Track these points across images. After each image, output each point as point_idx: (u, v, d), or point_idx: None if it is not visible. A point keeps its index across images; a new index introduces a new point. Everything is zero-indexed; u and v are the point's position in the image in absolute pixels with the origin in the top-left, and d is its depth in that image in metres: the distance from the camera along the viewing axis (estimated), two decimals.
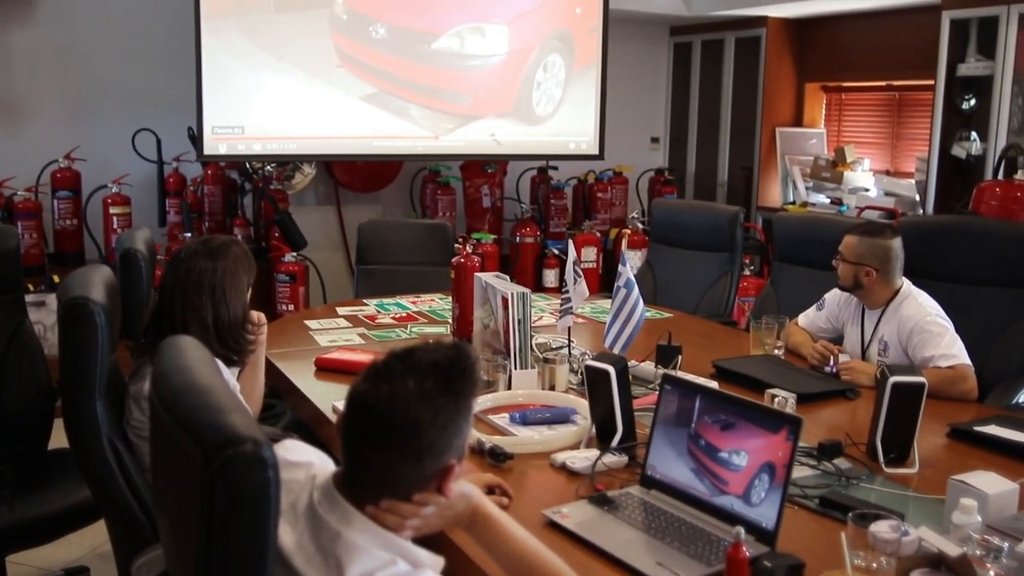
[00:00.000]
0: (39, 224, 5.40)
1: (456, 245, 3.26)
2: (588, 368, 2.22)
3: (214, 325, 2.25)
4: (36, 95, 5.84)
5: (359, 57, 5.29)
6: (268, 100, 5.13)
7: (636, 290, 2.72)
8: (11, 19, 5.72)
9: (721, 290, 4.25)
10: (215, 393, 1.28)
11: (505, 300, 2.62)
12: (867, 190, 6.72)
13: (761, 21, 7.07)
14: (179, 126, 5.76)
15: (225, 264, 2.28)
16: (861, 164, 6.84)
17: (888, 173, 6.82)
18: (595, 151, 6.06)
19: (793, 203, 7.10)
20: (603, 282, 6.27)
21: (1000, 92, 5.51)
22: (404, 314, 3.71)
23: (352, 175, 6.56)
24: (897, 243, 3.02)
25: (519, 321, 2.60)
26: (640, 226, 6.30)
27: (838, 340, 3.22)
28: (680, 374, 2.67)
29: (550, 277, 6.10)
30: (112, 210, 5.45)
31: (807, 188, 7.08)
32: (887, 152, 6.93)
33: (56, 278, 4.93)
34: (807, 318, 3.32)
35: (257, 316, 2.49)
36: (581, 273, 2.97)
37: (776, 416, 1.85)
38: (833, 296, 3.24)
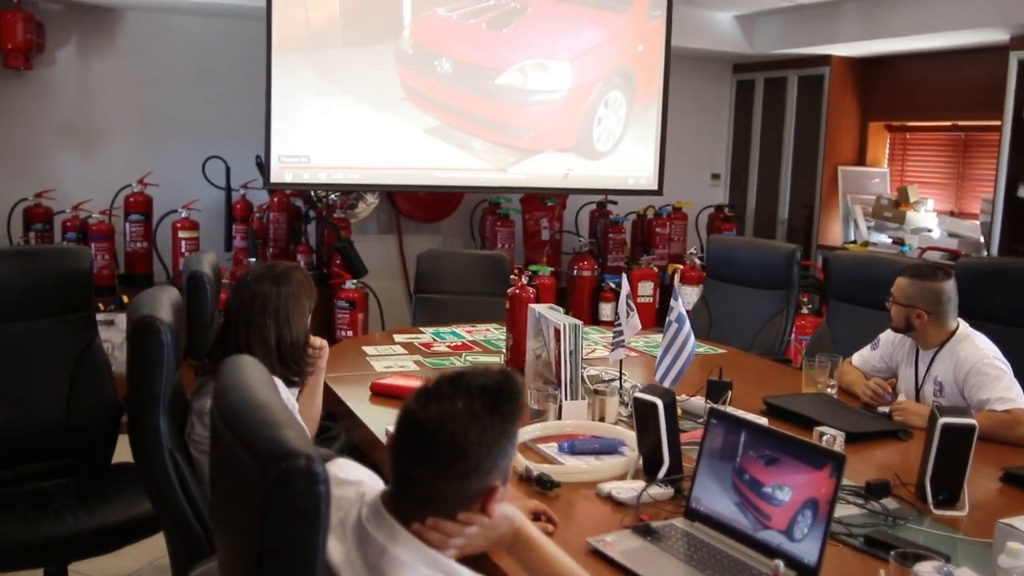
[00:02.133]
0: (111, 246, 5.60)
1: (512, 276, 3.32)
2: (637, 400, 2.25)
3: (276, 346, 2.33)
4: (113, 122, 6.07)
5: (423, 91, 5.41)
6: (334, 131, 5.26)
7: (687, 325, 2.74)
8: (92, 49, 5.97)
9: (776, 328, 4.24)
10: (272, 409, 1.35)
11: (557, 331, 2.66)
12: (930, 231, 6.64)
13: (825, 60, 7.06)
14: (247, 154, 5.93)
15: (289, 288, 2.37)
16: (924, 204, 6.77)
17: (952, 214, 6.74)
18: (654, 186, 6.09)
19: (854, 242, 7.04)
20: (659, 317, 6.26)
21: None
22: (459, 343, 3.77)
23: (414, 205, 6.68)
24: (949, 286, 2.99)
25: (570, 353, 2.64)
26: (697, 262, 6.30)
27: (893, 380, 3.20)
28: (730, 410, 2.69)
29: (606, 311, 6.12)
30: (181, 234, 5.62)
31: (868, 227, 7.02)
32: (951, 193, 6.84)
33: (126, 299, 5.10)
34: (861, 357, 3.30)
35: (319, 342, 2.57)
36: (634, 307, 3.00)
37: (820, 452, 1.86)
38: (887, 336, 3.22)
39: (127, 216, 5.74)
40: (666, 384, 2.75)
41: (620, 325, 2.97)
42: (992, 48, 6.01)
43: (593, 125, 5.95)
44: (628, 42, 5.94)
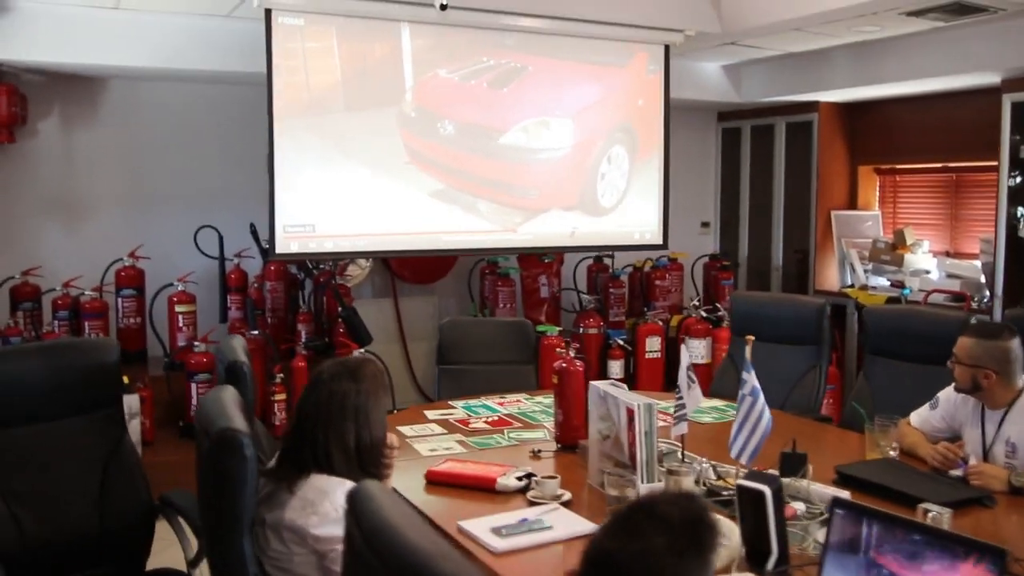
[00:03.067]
0: (105, 323, 5.40)
1: (559, 350, 3.19)
2: (741, 489, 2.13)
3: (356, 449, 2.17)
4: (100, 193, 5.90)
5: (427, 153, 5.30)
6: (338, 197, 5.13)
7: (762, 398, 2.63)
8: (75, 119, 5.81)
9: (809, 385, 4.15)
10: (436, 558, 1.21)
11: (630, 412, 2.53)
12: (928, 272, 6.63)
13: (813, 106, 7.08)
14: (240, 222, 5.79)
15: (367, 385, 2.22)
16: (920, 246, 6.77)
17: (948, 255, 6.74)
18: (659, 240, 6.02)
19: (851, 286, 7.02)
20: (666, 372, 6.17)
21: None
22: (496, 417, 3.63)
23: (409, 267, 6.55)
24: (1015, 344, 2.93)
25: (645, 434, 2.51)
26: (704, 314, 6.22)
27: (953, 440, 3.11)
28: (814, 485, 2.58)
29: (615, 368, 6.01)
30: (178, 308, 5.44)
31: (866, 271, 7.01)
32: (946, 234, 6.86)
33: (126, 379, 4.88)
34: (920, 417, 3.21)
35: (394, 439, 2.41)
36: (695, 378, 2.89)
37: (971, 545, 1.75)
38: (947, 395, 3.14)
39: (119, 291, 5.55)
40: (743, 460, 2.63)
41: (681, 397, 2.86)
42: (984, 91, 6.05)
43: (597, 181, 5.88)
44: (628, 97, 5.89)
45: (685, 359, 2.90)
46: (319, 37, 5.01)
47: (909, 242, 6.76)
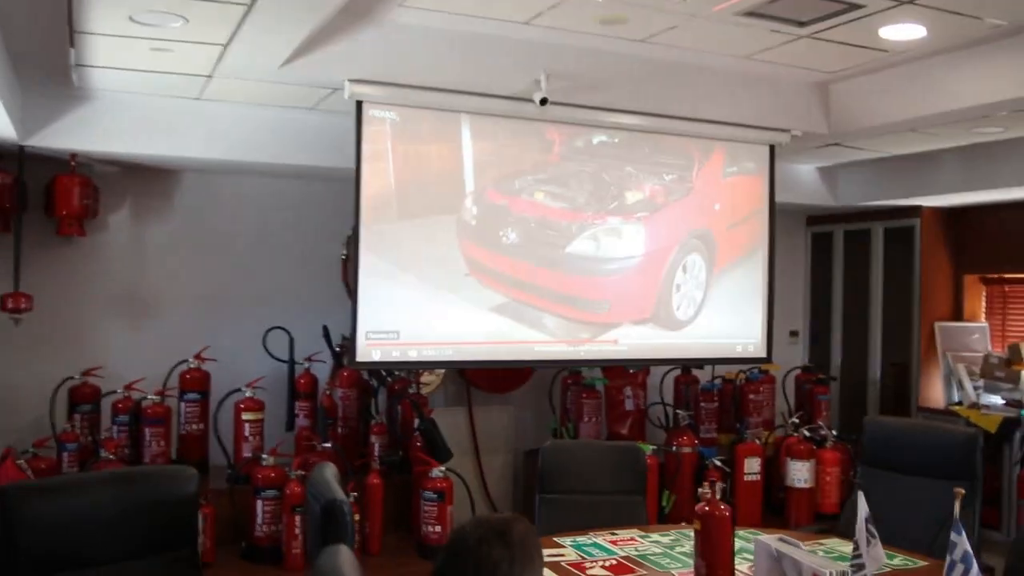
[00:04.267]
0: (167, 430, 5.04)
1: (700, 490, 2.75)
2: None
3: None
4: (168, 290, 5.62)
5: (489, 264, 4.96)
6: (419, 305, 4.79)
7: (975, 567, 2.16)
8: (147, 213, 5.58)
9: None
10: None
11: None
12: None
13: (915, 211, 6.69)
14: (312, 324, 5.48)
15: (521, 551, 1.80)
16: None
17: None
18: (763, 353, 5.59)
19: (960, 403, 6.49)
20: (766, 497, 5.65)
21: None
22: (614, 561, 3.17)
23: (484, 376, 6.15)
24: None
25: None
26: (807, 433, 5.72)
27: None
28: None
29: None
30: (244, 416, 5.06)
31: (976, 388, 6.48)
32: None
33: None
34: None
35: None
36: (876, 533, 2.43)
37: None
38: None
39: (182, 395, 5.19)
40: None
41: (859, 553, 2.40)
42: None
43: (672, 292, 5.47)
44: (705, 201, 5.52)
45: (863, 509, 2.45)
46: (411, 135, 4.75)
47: None
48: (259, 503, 4.67)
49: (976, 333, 6.80)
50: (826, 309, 7.45)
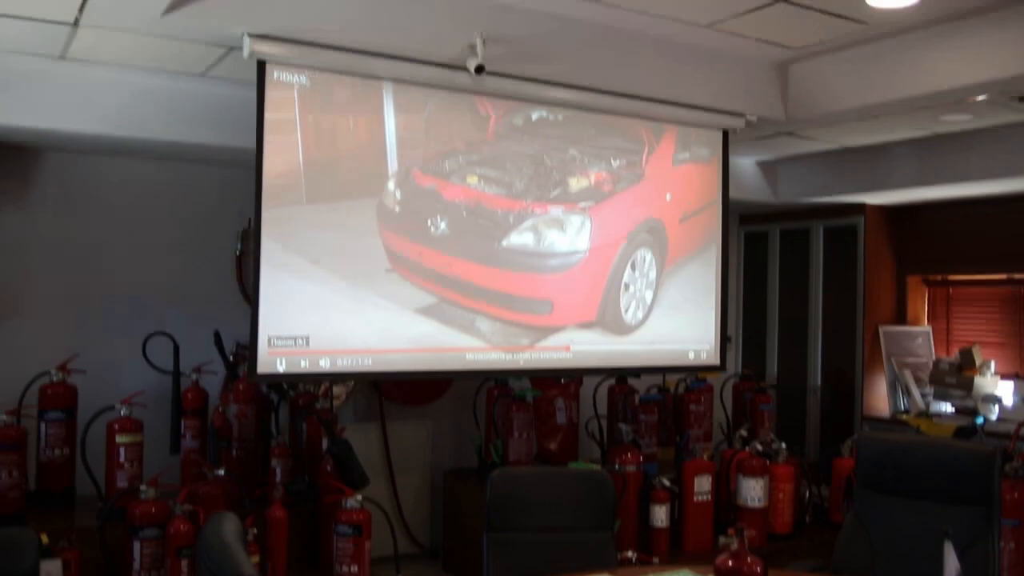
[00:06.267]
0: (22, 458, 4.17)
1: (723, 539, 2.14)
2: None
3: None
4: (26, 290, 4.76)
5: (414, 258, 4.26)
6: (331, 307, 4.07)
7: None
8: (2, 198, 4.70)
9: (978, 561, 3.12)
10: None
11: None
12: (999, 398, 5.77)
13: (858, 209, 6.29)
14: (200, 330, 4.77)
15: None
16: (988, 367, 5.91)
17: (1018, 377, 5.89)
18: (715, 360, 5.04)
19: (907, 412, 6.11)
20: (717, 518, 5.11)
21: None
22: None
23: (400, 386, 5.48)
24: None
25: None
26: (760, 448, 5.21)
27: None
28: None
29: (660, 515, 4.91)
30: (119, 438, 4.23)
31: (924, 395, 6.11)
32: (1013, 354, 6.02)
33: (45, 538, 3.64)
34: None
35: None
36: None
37: None
38: None
39: (42, 414, 4.35)
40: None
41: None
42: None
43: (620, 292, 4.89)
44: (655, 190, 4.94)
45: (952, 565, 1.88)
46: (324, 104, 4.02)
47: (977, 363, 5.90)
48: (136, 544, 3.85)
49: (920, 338, 6.45)
50: (761, 313, 7.01)
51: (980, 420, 5.62)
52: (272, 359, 3.91)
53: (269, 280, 3.90)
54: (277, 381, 4.42)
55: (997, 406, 5.71)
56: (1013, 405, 5.67)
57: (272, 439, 4.68)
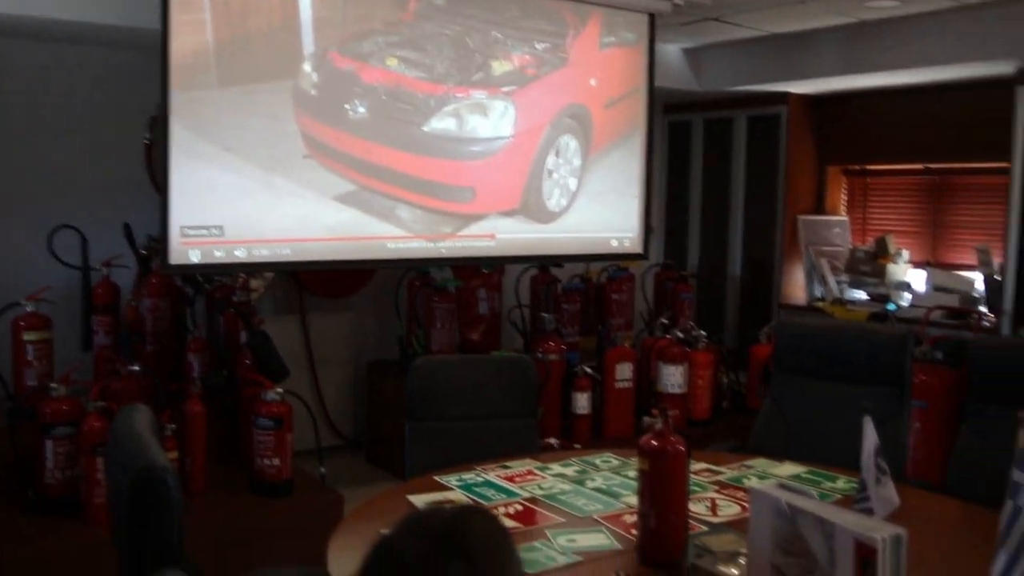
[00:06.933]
0: None
1: (647, 419, 2.13)
2: None
3: None
4: None
5: (332, 144, 4.09)
6: (247, 193, 3.91)
7: None
8: None
9: (889, 439, 3.19)
10: None
11: (865, 549, 1.50)
12: (910, 285, 5.92)
13: (781, 98, 6.27)
14: (110, 222, 4.57)
15: (491, 563, 1.10)
16: (901, 256, 6.04)
17: (929, 264, 6.03)
18: (639, 248, 5.03)
19: (823, 299, 6.23)
20: (637, 405, 5.18)
21: None
22: (518, 505, 2.53)
23: (320, 278, 5.37)
24: None
25: None
26: (680, 336, 5.27)
27: None
28: None
29: (582, 402, 4.97)
30: (26, 336, 4.06)
31: (839, 283, 6.23)
32: (925, 242, 6.15)
33: None
34: None
35: None
36: (887, 469, 1.90)
37: None
38: None
39: None
40: None
41: (865, 495, 1.87)
42: (986, 83, 5.36)
43: (543, 179, 4.82)
44: (579, 75, 4.83)
45: (871, 440, 1.90)
46: None
47: (891, 252, 6.02)
48: (48, 443, 3.73)
49: (837, 227, 6.54)
50: (683, 203, 7.03)
51: (892, 307, 5.76)
52: (184, 249, 3.77)
53: (180, 168, 3.73)
54: (191, 273, 4.26)
55: (909, 293, 5.85)
56: (924, 292, 5.81)
57: (188, 333, 4.56)
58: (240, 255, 3.91)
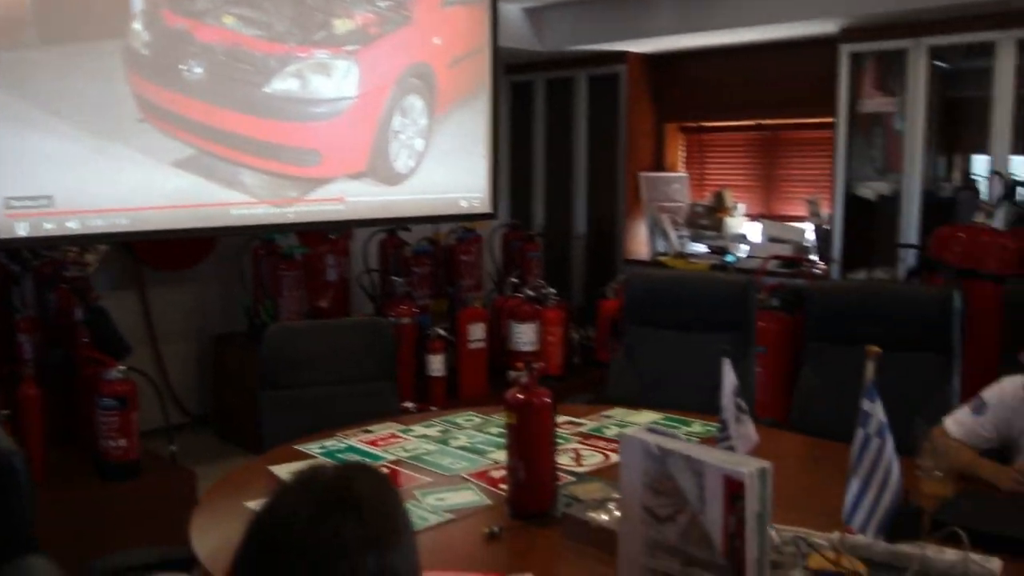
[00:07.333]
0: None
1: (512, 373, 2.14)
2: None
3: None
4: None
5: (168, 106, 3.91)
6: (79, 161, 3.68)
7: (891, 442, 1.75)
8: None
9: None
10: None
11: (733, 484, 1.55)
12: (746, 237, 6.18)
13: (620, 57, 6.38)
14: None
15: (383, 520, 1.06)
16: (737, 210, 6.29)
17: (764, 217, 6.31)
18: (488, 208, 5.03)
19: (665, 254, 6.43)
20: (491, 363, 5.22)
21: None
22: (384, 470, 2.50)
23: (158, 249, 5.13)
24: None
25: (758, 517, 1.55)
26: (530, 294, 5.33)
27: (1003, 453, 2.43)
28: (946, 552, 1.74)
29: (436, 364, 4.96)
30: None
31: (680, 237, 6.44)
32: (760, 196, 6.42)
33: None
34: (961, 426, 2.48)
35: None
36: (746, 407, 1.97)
37: None
38: (999, 395, 2.44)
39: None
40: (869, 532, 1.75)
41: (727, 433, 1.94)
42: (812, 42, 5.61)
43: (389, 140, 4.76)
44: (423, 33, 4.77)
45: (729, 380, 1.97)
46: None
47: (728, 205, 6.26)
48: None
49: (676, 183, 6.74)
50: (527, 163, 7.08)
51: (730, 258, 6.00)
52: (10, 222, 3.53)
53: (2, 135, 3.46)
54: (17, 247, 3.99)
55: (746, 245, 6.10)
56: (760, 243, 6.07)
57: (16, 313, 4.27)
58: (73, 226, 3.68)
